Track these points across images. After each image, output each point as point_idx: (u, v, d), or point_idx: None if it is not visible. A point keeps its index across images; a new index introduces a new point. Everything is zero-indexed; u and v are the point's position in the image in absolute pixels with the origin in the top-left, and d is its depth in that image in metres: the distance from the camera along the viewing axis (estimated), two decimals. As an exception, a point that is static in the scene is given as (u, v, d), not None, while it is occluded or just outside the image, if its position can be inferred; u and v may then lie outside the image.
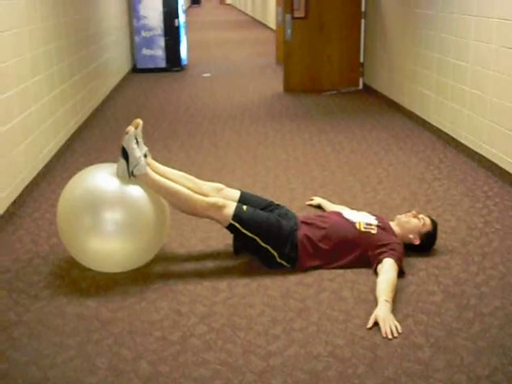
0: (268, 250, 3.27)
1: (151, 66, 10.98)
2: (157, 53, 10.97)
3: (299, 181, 4.76)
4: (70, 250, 3.28)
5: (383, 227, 3.36)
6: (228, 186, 4.52)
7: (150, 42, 10.90)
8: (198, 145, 5.93)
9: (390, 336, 2.67)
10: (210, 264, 3.42)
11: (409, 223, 3.41)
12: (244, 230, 3.25)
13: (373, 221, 3.39)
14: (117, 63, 9.60)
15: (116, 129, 6.70)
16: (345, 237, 3.31)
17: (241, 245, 3.42)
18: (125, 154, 3.22)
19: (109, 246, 3.15)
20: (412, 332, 2.71)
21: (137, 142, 3.28)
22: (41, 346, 2.67)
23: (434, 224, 3.46)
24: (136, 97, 8.72)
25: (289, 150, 5.66)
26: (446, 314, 2.85)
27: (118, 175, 3.24)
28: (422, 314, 2.85)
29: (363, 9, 8.60)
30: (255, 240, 3.26)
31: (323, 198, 4.23)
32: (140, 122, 3.34)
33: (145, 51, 10.95)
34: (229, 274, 3.30)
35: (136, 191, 3.21)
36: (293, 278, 3.22)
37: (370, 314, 2.83)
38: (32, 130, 4.79)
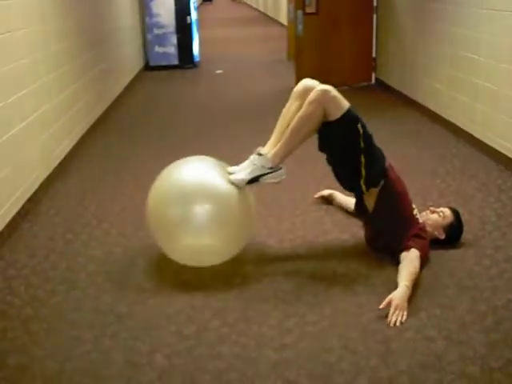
0: (361, 163, 3.22)
1: (164, 63, 11.01)
2: (169, 50, 11.00)
3: (312, 175, 4.77)
4: (161, 243, 3.24)
5: (424, 225, 3.37)
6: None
7: (162, 40, 10.94)
8: (213, 140, 5.95)
9: (391, 324, 2.69)
10: (223, 259, 3.45)
11: (429, 220, 3.42)
12: (360, 128, 3.18)
13: (418, 215, 3.41)
14: (130, 61, 9.65)
15: (130, 126, 6.75)
16: (406, 201, 3.34)
17: (328, 145, 3.31)
18: (254, 179, 3.16)
19: (200, 240, 3.10)
20: (425, 325, 2.72)
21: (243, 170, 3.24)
22: (58, 339, 2.71)
23: (456, 213, 3.46)
24: (149, 94, 8.76)
25: (302, 145, 5.65)
26: (459, 307, 2.85)
27: (278, 182, 3.22)
28: (435, 307, 2.86)
29: (375, 4, 8.58)
30: (356, 146, 3.20)
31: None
32: (228, 168, 3.26)
33: (157, 48, 10.98)
34: (242, 268, 3.33)
35: (224, 186, 3.14)
36: (306, 273, 3.24)
37: (382, 307, 2.85)
38: (47, 128, 4.84)
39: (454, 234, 3.45)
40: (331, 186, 4.23)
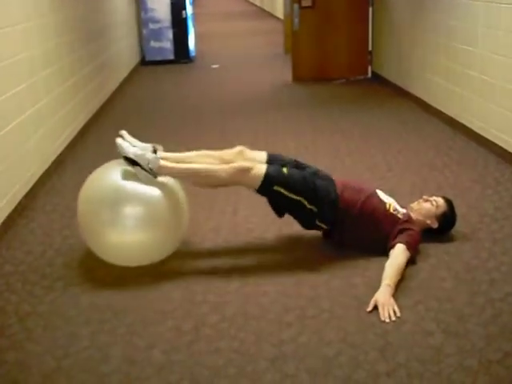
0: (306, 207, 3.24)
1: (159, 58, 10.99)
2: (165, 45, 10.97)
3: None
4: (89, 243, 3.28)
5: (408, 216, 3.36)
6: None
7: (158, 34, 10.90)
8: (209, 134, 5.94)
9: (387, 320, 2.69)
10: (222, 253, 3.44)
11: (422, 209, 3.41)
12: (284, 191, 3.20)
13: (400, 209, 3.39)
14: (125, 56, 9.62)
15: (126, 121, 6.72)
16: (373, 212, 3.29)
17: (279, 206, 3.36)
18: (132, 161, 3.17)
19: (127, 239, 3.14)
20: (423, 318, 2.71)
21: (134, 147, 3.24)
22: (55, 336, 2.70)
23: (449, 203, 3.45)
24: (145, 89, 8.74)
25: (298, 138, 5.66)
26: (457, 300, 2.85)
27: (145, 183, 3.18)
28: (433, 300, 2.85)
29: (371, -4, 8.57)
30: (291, 200, 3.22)
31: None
32: (123, 132, 3.31)
33: (153, 43, 10.95)
34: (241, 263, 3.32)
35: (153, 188, 3.18)
36: (305, 266, 3.24)
37: (380, 300, 2.84)
38: (43, 123, 4.82)
39: (447, 223, 3.45)
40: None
